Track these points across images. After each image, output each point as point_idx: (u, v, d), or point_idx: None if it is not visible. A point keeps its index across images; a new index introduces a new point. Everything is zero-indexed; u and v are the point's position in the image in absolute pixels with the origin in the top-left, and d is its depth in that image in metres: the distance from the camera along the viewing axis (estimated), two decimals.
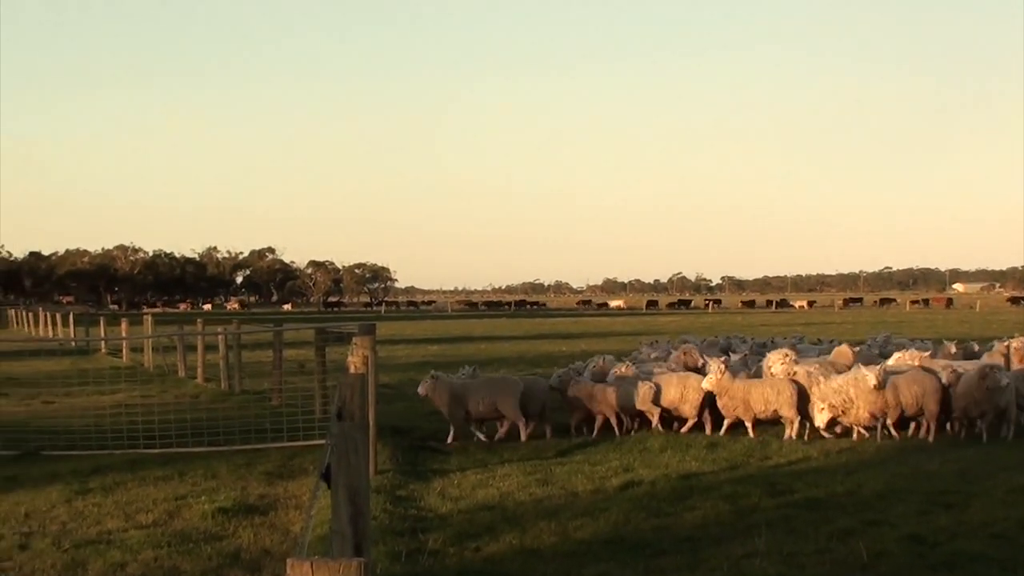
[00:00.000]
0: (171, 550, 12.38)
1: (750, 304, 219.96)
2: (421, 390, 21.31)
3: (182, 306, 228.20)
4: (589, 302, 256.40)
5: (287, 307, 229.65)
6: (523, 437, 20.81)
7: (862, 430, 20.69)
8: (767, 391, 20.89)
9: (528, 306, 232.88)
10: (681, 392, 21.32)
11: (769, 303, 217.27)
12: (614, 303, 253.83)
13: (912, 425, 21.04)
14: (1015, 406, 20.93)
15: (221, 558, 12.01)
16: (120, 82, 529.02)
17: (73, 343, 56.19)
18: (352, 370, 16.12)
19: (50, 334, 68.37)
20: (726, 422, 21.26)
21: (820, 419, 20.44)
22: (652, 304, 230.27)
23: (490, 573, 11.30)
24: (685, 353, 24.79)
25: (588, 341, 56.70)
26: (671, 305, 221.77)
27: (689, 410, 21.26)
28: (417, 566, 11.55)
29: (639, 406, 21.27)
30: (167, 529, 13.52)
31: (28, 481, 17.01)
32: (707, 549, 12.22)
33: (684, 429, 21.39)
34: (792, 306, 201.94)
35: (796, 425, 20.79)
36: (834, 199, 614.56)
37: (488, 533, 13.13)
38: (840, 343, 28.10)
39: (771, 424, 21.66)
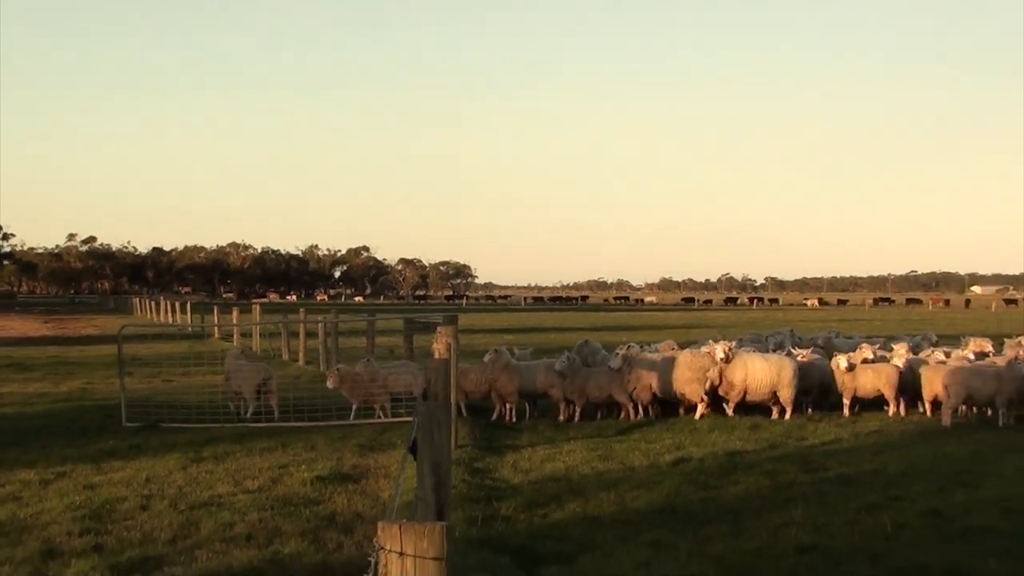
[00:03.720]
0: (274, 512, 12.44)
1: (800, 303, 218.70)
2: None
3: (291, 297, 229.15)
4: (627, 298, 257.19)
5: (359, 299, 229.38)
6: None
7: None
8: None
9: (574, 300, 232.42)
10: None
11: (823, 301, 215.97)
12: (648, 298, 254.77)
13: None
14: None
15: (318, 520, 12.05)
16: (230, 95, 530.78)
17: (190, 328, 57.09)
18: (436, 355, 16.15)
19: (170, 320, 69.23)
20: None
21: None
22: (689, 300, 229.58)
23: (556, 537, 11.29)
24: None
25: (646, 333, 56.40)
26: (726, 301, 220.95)
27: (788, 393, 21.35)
28: (491, 530, 11.56)
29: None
30: (271, 494, 13.60)
31: (149, 450, 17.16)
32: (748, 519, 12.18)
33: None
34: (830, 304, 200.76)
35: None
36: (865, 207, 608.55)
37: (554, 502, 13.13)
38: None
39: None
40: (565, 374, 21.29)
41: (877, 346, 23.89)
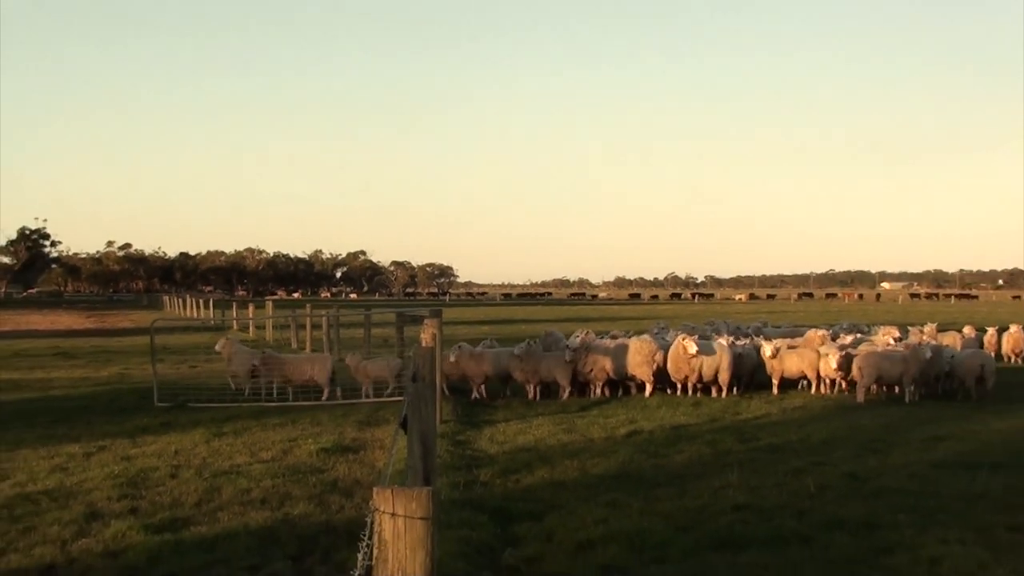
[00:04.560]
0: (285, 479, 12.47)
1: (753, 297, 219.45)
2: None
3: (296, 294, 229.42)
4: (583, 294, 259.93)
5: (353, 296, 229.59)
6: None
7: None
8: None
9: (539, 296, 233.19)
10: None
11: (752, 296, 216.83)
12: (601, 294, 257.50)
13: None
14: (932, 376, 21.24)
15: (323, 486, 12.07)
16: (251, 122, 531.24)
17: (212, 322, 57.55)
18: (424, 344, 16.16)
19: (195, 315, 69.26)
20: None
21: None
22: (635, 296, 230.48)
23: (527, 499, 11.31)
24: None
25: (603, 324, 56.52)
26: (671, 296, 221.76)
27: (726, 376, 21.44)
28: (472, 493, 11.57)
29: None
30: (282, 463, 13.62)
31: (178, 426, 17.17)
32: (692, 482, 12.20)
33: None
34: (762, 298, 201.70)
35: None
36: (790, 212, 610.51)
37: (525, 469, 13.16)
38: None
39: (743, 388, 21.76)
40: (523, 358, 21.36)
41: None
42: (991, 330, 31.38)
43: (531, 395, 21.33)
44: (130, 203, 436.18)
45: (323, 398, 20.72)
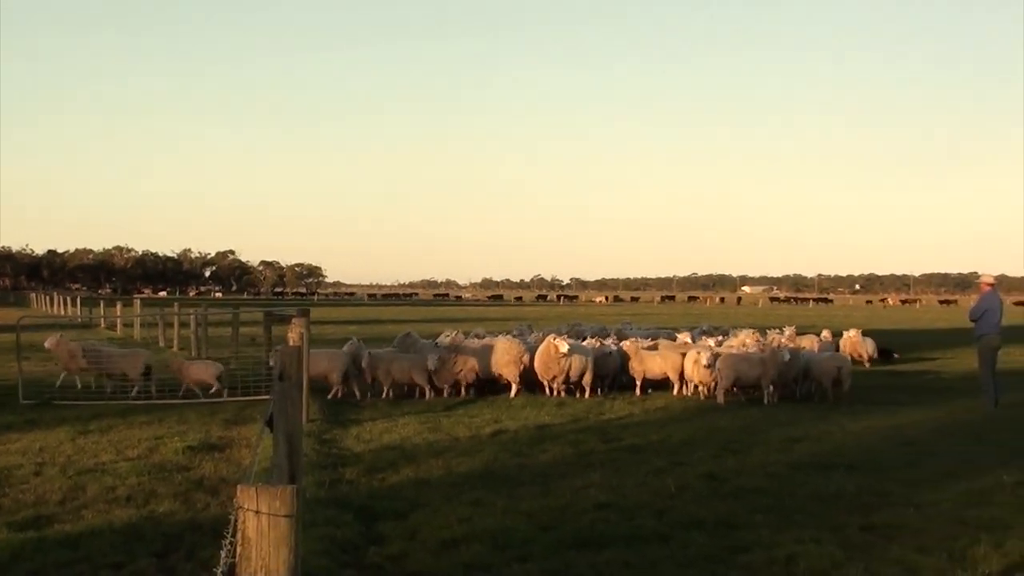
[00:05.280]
0: (151, 477, 12.31)
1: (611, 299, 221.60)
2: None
3: (161, 293, 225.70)
4: (446, 295, 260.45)
5: (218, 295, 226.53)
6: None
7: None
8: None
9: (405, 297, 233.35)
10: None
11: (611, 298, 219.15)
12: (465, 295, 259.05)
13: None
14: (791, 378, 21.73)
15: (189, 484, 11.95)
16: (121, 109, 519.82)
17: (79, 319, 56.49)
18: (291, 343, 16.08)
19: (63, 312, 68.20)
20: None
21: None
22: (496, 297, 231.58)
23: (392, 497, 11.31)
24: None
25: (470, 324, 56.62)
26: (537, 298, 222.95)
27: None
28: (337, 492, 11.53)
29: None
30: (148, 461, 13.44)
31: (43, 423, 16.86)
32: (555, 481, 12.31)
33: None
34: (625, 300, 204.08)
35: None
36: (651, 216, 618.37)
37: (391, 467, 13.15)
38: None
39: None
40: (384, 358, 21.60)
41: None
42: (848, 333, 32.26)
43: (384, 393, 21.34)
44: None
45: (132, 393, 20.66)
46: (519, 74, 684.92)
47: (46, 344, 21.91)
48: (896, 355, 33.92)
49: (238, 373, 21.55)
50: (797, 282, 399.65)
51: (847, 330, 33.13)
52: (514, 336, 23.90)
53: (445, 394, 21.53)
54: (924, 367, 32.26)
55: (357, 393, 21.41)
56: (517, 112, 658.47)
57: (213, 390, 20.86)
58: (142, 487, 11.80)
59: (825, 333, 31.01)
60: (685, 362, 21.97)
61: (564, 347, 21.06)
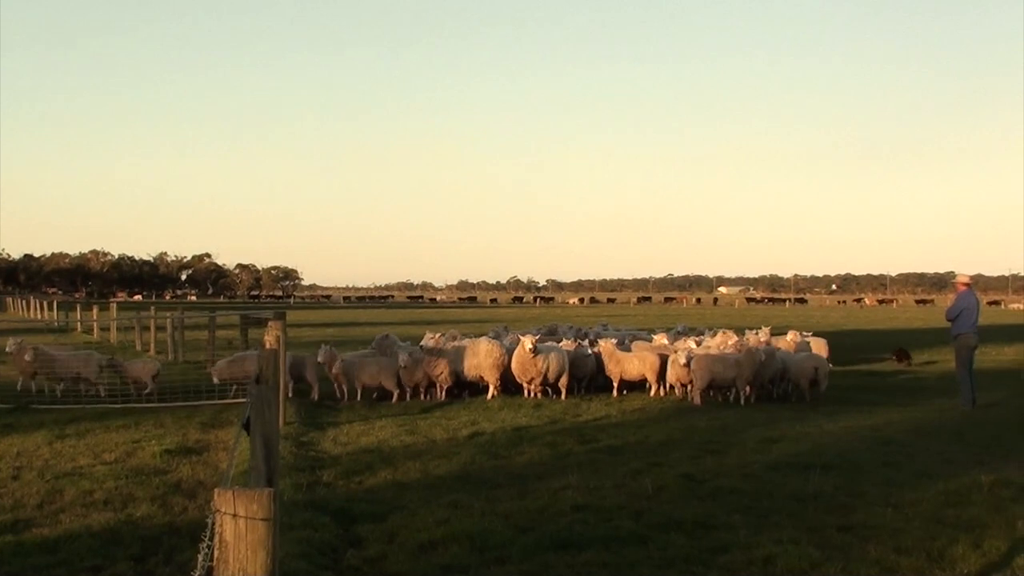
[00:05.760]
0: (128, 481, 12.30)
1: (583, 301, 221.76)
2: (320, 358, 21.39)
3: (136, 296, 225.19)
4: (420, 297, 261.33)
5: (192, 298, 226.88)
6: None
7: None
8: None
9: (381, 299, 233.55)
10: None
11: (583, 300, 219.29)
12: (439, 297, 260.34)
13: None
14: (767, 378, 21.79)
15: (166, 487, 11.93)
16: (92, 112, 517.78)
17: (56, 323, 56.67)
18: (267, 346, 16.01)
19: (39, 316, 68.13)
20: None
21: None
22: (471, 299, 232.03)
23: (370, 500, 11.30)
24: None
25: (446, 326, 56.57)
26: (513, 299, 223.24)
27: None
28: (315, 494, 11.51)
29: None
30: (125, 465, 13.43)
31: (20, 428, 16.81)
32: (532, 483, 12.31)
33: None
34: (600, 302, 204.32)
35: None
36: (628, 216, 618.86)
37: (368, 470, 13.14)
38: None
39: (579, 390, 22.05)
40: (354, 363, 21.59)
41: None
42: (787, 337, 32.19)
43: (356, 396, 21.25)
44: None
45: (90, 393, 20.89)
46: (494, 77, 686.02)
47: (7, 348, 21.87)
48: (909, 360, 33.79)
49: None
50: (773, 283, 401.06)
51: (789, 332, 32.16)
52: (490, 338, 23.90)
53: (422, 396, 21.52)
54: (901, 367, 32.39)
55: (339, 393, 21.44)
56: (494, 115, 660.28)
57: (148, 390, 21.04)
58: (120, 491, 11.77)
59: (791, 334, 30.83)
60: (669, 362, 21.97)
61: (528, 344, 21.04)
